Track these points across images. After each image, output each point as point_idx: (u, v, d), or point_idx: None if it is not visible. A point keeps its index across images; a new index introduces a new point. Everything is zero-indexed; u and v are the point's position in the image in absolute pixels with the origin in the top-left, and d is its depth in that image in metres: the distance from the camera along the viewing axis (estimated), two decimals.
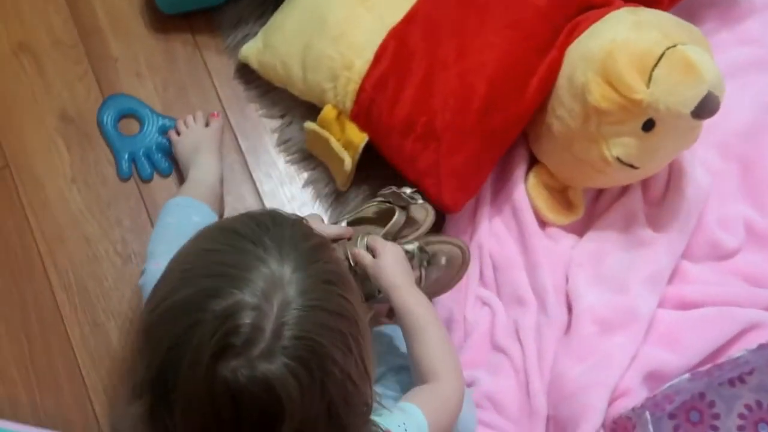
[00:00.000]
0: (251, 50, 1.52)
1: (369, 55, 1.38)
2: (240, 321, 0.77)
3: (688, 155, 1.46)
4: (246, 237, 0.83)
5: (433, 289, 1.35)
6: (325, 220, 1.51)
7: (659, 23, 1.33)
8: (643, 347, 1.38)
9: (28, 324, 1.45)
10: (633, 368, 1.36)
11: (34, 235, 1.48)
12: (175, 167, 1.53)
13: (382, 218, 1.36)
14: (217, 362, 0.77)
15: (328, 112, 1.42)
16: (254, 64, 1.52)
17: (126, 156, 1.53)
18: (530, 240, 1.44)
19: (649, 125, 1.31)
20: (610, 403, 1.33)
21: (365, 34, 1.39)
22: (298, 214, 1.44)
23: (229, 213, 1.51)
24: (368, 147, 1.42)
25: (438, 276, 1.34)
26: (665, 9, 1.41)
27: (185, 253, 0.86)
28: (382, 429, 0.95)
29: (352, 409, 0.83)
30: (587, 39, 1.35)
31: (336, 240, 1.30)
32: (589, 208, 1.49)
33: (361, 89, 1.38)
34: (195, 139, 1.48)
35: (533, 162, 1.49)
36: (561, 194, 1.48)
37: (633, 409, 1.30)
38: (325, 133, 1.43)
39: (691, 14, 1.53)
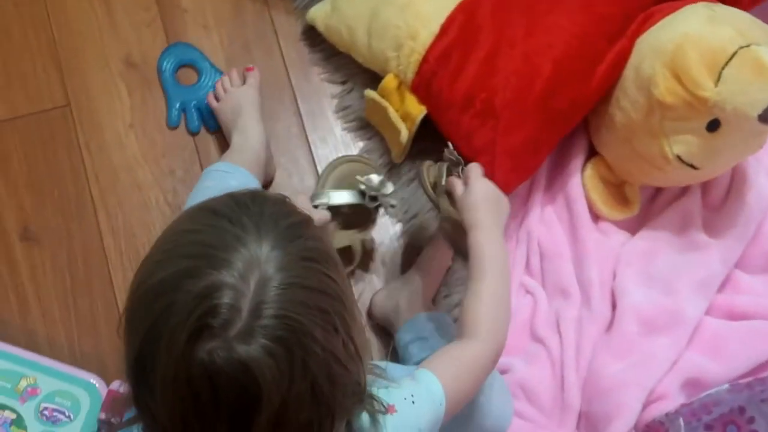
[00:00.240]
0: (319, 13, 1.55)
1: (435, 26, 1.40)
2: (216, 301, 0.77)
3: (753, 162, 1.45)
4: (224, 216, 0.83)
5: None
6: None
7: (735, 21, 1.32)
8: (685, 352, 1.38)
9: (74, 263, 1.50)
10: (673, 372, 1.36)
11: (87, 177, 1.54)
12: None
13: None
14: (194, 344, 0.77)
15: (389, 81, 1.44)
16: (321, 27, 1.55)
17: (177, 105, 1.57)
18: (581, 231, 1.45)
19: (714, 125, 1.30)
20: (645, 406, 1.34)
21: (433, 4, 1.41)
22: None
23: (281, 174, 1.55)
24: (426, 121, 1.44)
25: None
26: (745, 8, 1.40)
27: (166, 234, 0.86)
28: (384, 405, 0.95)
29: (339, 389, 0.83)
30: (659, 30, 1.34)
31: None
32: (644, 206, 1.49)
33: (424, 60, 1.40)
34: (233, 103, 1.51)
35: (592, 153, 1.50)
36: (617, 189, 1.48)
37: (667, 415, 1.30)
38: (384, 103, 1.45)
39: None
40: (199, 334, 0.77)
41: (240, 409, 0.78)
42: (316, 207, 1.38)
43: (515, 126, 1.35)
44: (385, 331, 1.45)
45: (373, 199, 1.44)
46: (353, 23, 1.49)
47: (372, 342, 1.45)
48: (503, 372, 1.38)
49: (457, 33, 1.38)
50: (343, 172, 1.48)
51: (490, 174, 1.36)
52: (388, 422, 0.96)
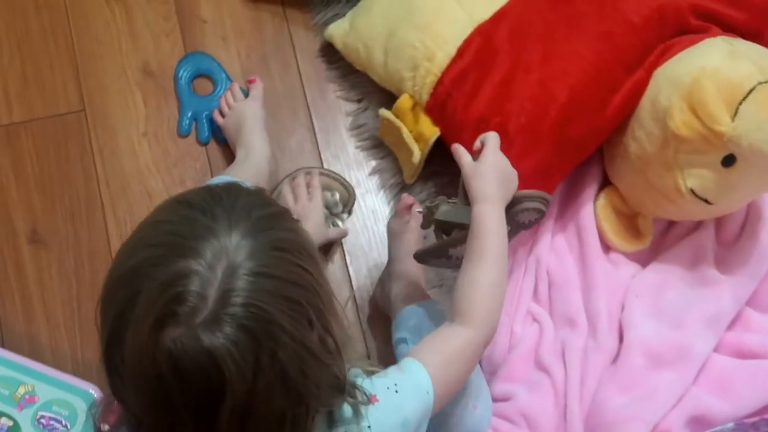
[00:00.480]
0: (337, 30, 1.57)
1: (452, 48, 1.41)
2: (182, 288, 0.78)
3: None
4: (197, 207, 0.83)
5: None
6: (387, 211, 1.54)
7: (755, 56, 1.32)
8: (691, 389, 1.37)
9: (81, 268, 1.51)
10: (678, 408, 1.35)
11: (99, 182, 1.55)
12: None
13: None
14: (159, 331, 0.77)
15: (404, 101, 1.45)
16: (338, 44, 1.57)
17: (189, 114, 1.59)
18: (591, 261, 1.45)
19: (729, 160, 1.30)
20: None
21: (451, 26, 1.42)
22: (356, 194, 1.50)
23: None
24: (439, 143, 1.45)
25: None
26: (766, 44, 1.40)
27: (141, 225, 0.86)
28: (366, 395, 0.96)
29: (313, 381, 0.83)
30: (677, 62, 1.35)
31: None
32: (657, 239, 1.49)
33: (440, 82, 1.41)
34: (237, 119, 1.52)
35: (605, 183, 1.50)
36: (630, 220, 1.48)
37: None
38: (398, 123, 1.46)
39: None
40: (164, 322, 0.78)
41: (205, 397, 0.79)
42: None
43: (528, 151, 1.35)
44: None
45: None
46: (371, 42, 1.50)
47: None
48: (505, 399, 1.38)
49: (473, 56, 1.39)
50: None
51: None
52: (370, 412, 0.96)
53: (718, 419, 1.34)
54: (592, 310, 1.42)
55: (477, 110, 1.37)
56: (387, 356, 1.41)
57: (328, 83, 1.62)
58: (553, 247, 1.48)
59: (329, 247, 1.52)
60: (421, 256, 1.34)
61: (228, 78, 1.61)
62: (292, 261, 0.83)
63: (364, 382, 0.98)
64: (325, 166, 1.57)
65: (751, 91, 1.27)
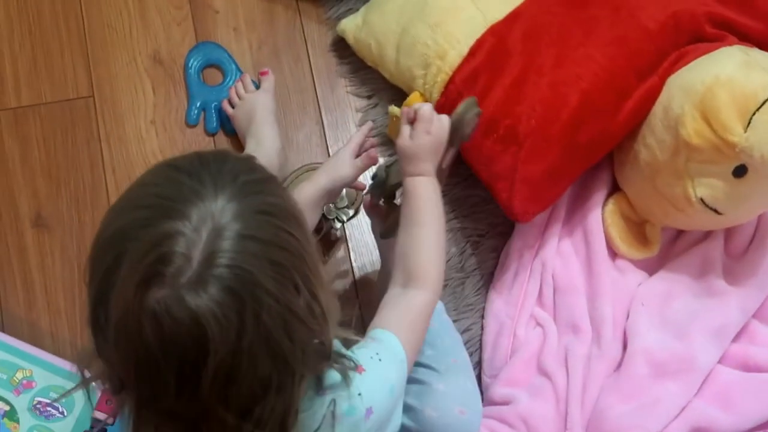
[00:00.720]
0: (350, 25, 1.57)
1: (464, 47, 1.41)
2: (167, 249, 0.79)
3: None
4: (184, 171, 0.84)
5: None
6: None
7: None
8: (694, 400, 1.37)
9: (83, 255, 1.48)
10: (680, 419, 1.36)
11: (104, 169, 1.56)
12: None
13: None
14: (144, 291, 0.78)
15: (415, 98, 1.45)
16: (350, 39, 1.57)
17: (198, 104, 1.59)
18: (597, 268, 1.45)
19: (740, 171, 1.30)
20: None
21: (464, 25, 1.42)
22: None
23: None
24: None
25: None
26: None
27: (128, 188, 0.87)
28: (354, 363, 0.97)
29: (299, 345, 0.84)
30: (691, 70, 1.35)
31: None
32: (665, 247, 1.49)
33: (451, 81, 1.41)
34: (247, 109, 1.53)
35: (614, 189, 1.50)
36: (638, 227, 1.48)
37: None
38: None
39: None
40: (149, 282, 0.78)
41: (188, 358, 0.79)
42: None
43: (537, 155, 1.35)
44: None
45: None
46: (383, 38, 1.51)
47: None
48: (505, 403, 1.39)
49: (485, 56, 1.39)
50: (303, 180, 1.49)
51: (507, 200, 1.38)
52: (359, 381, 0.97)
53: None
54: (597, 317, 1.42)
55: (487, 111, 1.37)
56: None
57: (338, 78, 1.62)
58: (560, 252, 1.48)
59: (333, 243, 1.53)
60: (386, 233, 1.34)
61: (238, 69, 1.61)
62: (279, 225, 0.84)
63: (347, 353, 0.99)
64: None
65: (765, 101, 1.27)
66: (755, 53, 1.35)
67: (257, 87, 1.57)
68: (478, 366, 1.45)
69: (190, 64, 1.61)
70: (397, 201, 1.33)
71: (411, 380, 1.21)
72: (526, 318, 1.45)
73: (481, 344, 1.47)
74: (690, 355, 1.38)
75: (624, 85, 1.35)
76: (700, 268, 1.45)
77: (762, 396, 1.37)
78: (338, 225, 1.49)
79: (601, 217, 1.47)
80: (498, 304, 1.46)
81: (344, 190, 1.48)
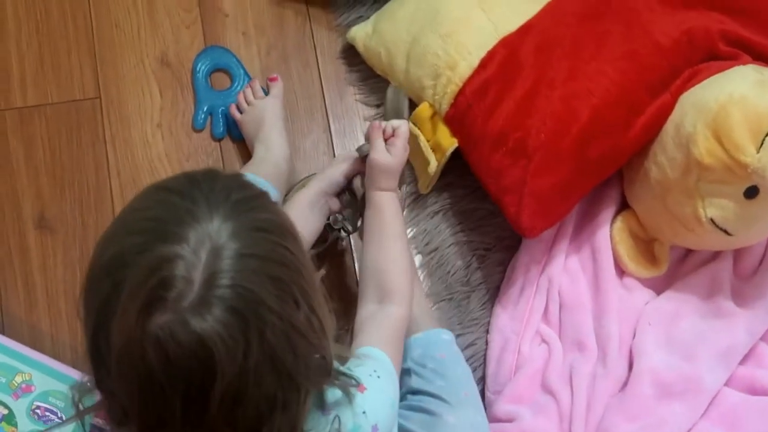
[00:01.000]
0: (360, 33, 1.57)
1: (475, 59, 1.41)
2: (167, 273, 0.78)
3: None
4: (175, 192, 0.84)
5: None
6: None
7: None
8: (699, 422, 1.37)
9: (86, 258, 1.49)
10: None
11: (109, 171, 1.57)
12: None
13: None
14: (146, 318, 0.78)
15: (424, 109, 1.46)
16: (360, 47, 1.58)
17: (205, 108, 1.60)
18: (604, 285, 1.45)
19: (752, 192, 1.30)
20: None
21: (476, 36, 1.42)
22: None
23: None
24: (456, 155, 1.45)
25: None
26: None
27: (119, 213, 0.88)
28: (356, 380, 0.98)
29: (302, 360, 0.84)
30: (704, 88, 1.35)
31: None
32: (673, 266, 1.49)
33: (461, 92, 1.42)
34: (256, 115, 1.53)
35: (623, 206, 1.50)
36: (646, 246, 1.48)
37: None
38: (416, 131, 1.46)
39: None
40: (151, 308, 0.78)
41: (195, 382, 0.79)
42: None
43: (546, 169, 1.36)
44: None
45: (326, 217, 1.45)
46: (393, 47, 1.51)
47: None
48: (509, 420, 1.39)
49: (496, 68, 1.40)
50: None
51: (515, 214, 1.38)
52: (362, 400, 0.99)
53: None
54: (603, 335, 1.42)
55: (497, 124, 1.38)
56: None
57: (347, 86, 1.63)
58: (567, 268, 1.48)
59: (339, 253, 1.53)
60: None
61: (246, 74, 1.62)
62: (275, 241, 0.85)
63: (348, 371, 1.00)
64: None
65: None
66: None
67: (266, 93, 1.58)
68: (481, 381, 1.46)
69: (198, 68, 1.61)
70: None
71: (421, 410, 1.24)
72: (531, 334, 1.45)
73: (485, 359, 1.47)
74: (697, 376, 1.38)
75: (636, 101, 1.36)
76: (708, 288, 1.45)
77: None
78: (344, 235, 1.49)
79: (609, 234, 1.48)
80: (503, 319, 1.47)
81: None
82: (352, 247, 1.54)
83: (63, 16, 1.64)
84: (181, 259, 0.79)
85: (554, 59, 1.37)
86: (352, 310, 1.49)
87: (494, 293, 1.51)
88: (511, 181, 1.38)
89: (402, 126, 1.29)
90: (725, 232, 1.35)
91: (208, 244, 0.80)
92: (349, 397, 0.96)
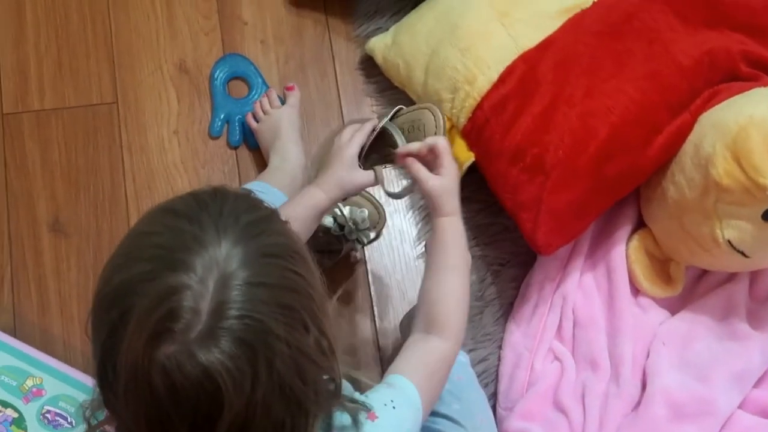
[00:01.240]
0: (379, 44, 1.58)
1: (494, 74, 1.42)
2: (175, 304, 0.78)
3: None
4: (183, 216, 0.83)
5: None
6: (414, 232, 1.55)
7: None
8: None
9: (99, 263, 1.52)
10: None
11: (125, 176, 1.58)
12: None
13: None
14: (153, 348, 0.77)
15: None
16: (379, 58, 1.59)
17: (222, 116, 1.61)
18: (618, 304, 1.45)
19: None
20: None
21: (495, 51, 1.43)
22: (386, 217, 1.52)
23: None
24: (472, 169, 1.46)
25: None
26: None
27: (127, 237, 0.86)
28: (367, 406, 0.97)
29: (311, 386, 0.84)
30: (724, 109, 1.35)
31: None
32: (688, 287, 1.49)
33: (479, 107, 1.42)
34: (272, 124, 1.54)
35: (640, 225, 1.50)
36: (662, 265, 1.48)
37: None
38: None
39: None
40: (158, 339, 0.78)
41: (202, 413, 0.79)
42: None
43: (564, 186, 1.36)
44: None
45: (341, 228, 1.46)
46: (412, 59, 1.52)
47: None
48: None
49: (515, 84, 1.40)
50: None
51: (530, 231, 1.38)
52: (371, 429, 0.97)
53: None
54: (617, 354, 1.42)
55: (514, 139, 1.38)
56: None
57: (365, 97, 1.64)
58: (581, 286, 1.48)
59: (353, 264, 1.54)
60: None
61: (264, 83, 1.63)
62: (285, 266, 0.84)
63: (360, 397, 0.99)
64: None
65: None
66: None
67: (283, 102, 1.59)
68: (493, 397, 1.46)
69: (216, 75, 1.63)
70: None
71: None
72: (544, 351, 1.46)
73: (497, 375, 1.47)
74: (710, 398, 1.38)
75: (655, 120, 1.36)
76: (723, 310, 1.45)
77: None
78: (359, 247, 1.50)
79: (624, 253, 1.48)
80: (516, 335, 1.47)
81: (366, 212, 1.49)
82: (366, 258, 1.55)
83: (82, 20, 1.66)
84: (188, 289, 0.78)
85: (573, 76, 1.38)
86: (364, 324, 1.51)
87: (508, 309, 1.51)
88: (528, 197, 1.38)
89: (439, 141, 1.20)
90: (742, 253, 1.35)
91: (216, 273, 0.79)
92: (357, 424, 0.95)
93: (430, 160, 1.20)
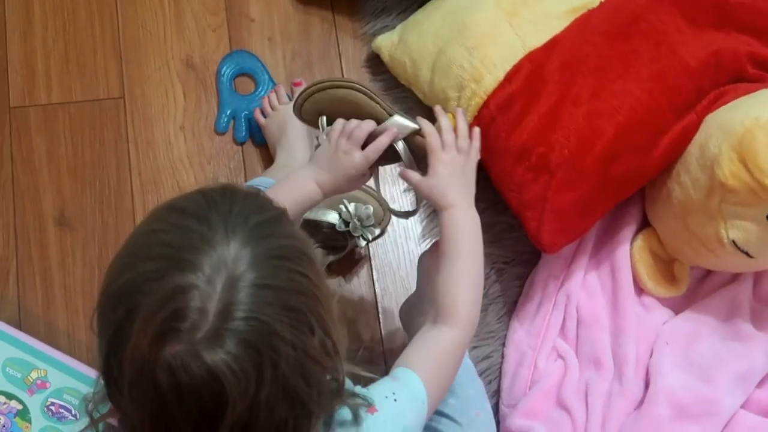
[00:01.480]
0: (385, 42, 1.59)
1: (500, 73, 1.42)
2: (182, 304, 0.78)
3: None
4: (191, 214, 0.83)
5: None
6: (419, 230, 1.56)
7: None
8: None
9: (104, 257, 1.54)
10: None
11: (131, 171, 1.58)
12: None
13: None
14: (159, 348, 0.77)
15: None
16: (385, 56, 1.59)
17: (228, 112, 1.62)
18: (622, 303, 1.45)
19: None
20: None
21: (502, 50, 1.43)
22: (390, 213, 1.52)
23: None
24: (477, 167, 1.45)
25: None
26: None
27: (134, 234, 0.86)
28: (368, 401, 0.96)
29: (315, 387, 0.84)
30: (730, 110, 1.35)
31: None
32: (692, 287, 1.49)
33: (485, 105, 1.42)
34: (280, 121, 1.54)
35: (644, 225, 1.51)
36: (666, 265, 1.49)
37: None
38: None
39: None
40: (164, 338, 0.78)
41: (206, 412, 0.79)
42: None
43: (569, 185, 1.36)
44: None
45: (346, 224, 1.47)
46: (418, 58, 1.52)
47: None
48: None
49: (522, 83, 1.40)
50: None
51: (535, 230, 1.39)
52: (371, 423, 0.96)
53: None
54: (620, 353, 1.43)
55: (520, 138, 1.39)
56: None
57: None
58: (585, 285, 1.48)
59: (357, 261, 1.54)
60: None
61: (270, 79, 1.63)
62: (292, 268, 0.84)
63: (361, 391, 0.99)
64: None
65: None
66: None
67: (290, 98, 1.59)
68: (496, 395, 1.46)
69: (222, 72, 1.63)
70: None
71: (430, 429, 1.21)
72: (547, 349, 1.46)
73: (500, 373, 1.48)
74: (713, 398, 1.39)
75: (661, 121, 1.36)
76: (727, 310, 1.45)
77: None
78: (363, 243, 1.50)
79: (629, 252, 1.48)
80: (520, 333, 1.47)
81: (371, 208, 1.49)
82: (370, 255, 1.55)
83: (90, 15, 1.66)
84: (195, 289, 0.78)
85: (580, 76, 1.38)
86: (368, 321, 1.51)
87: (511, 307, 1.52)
88: (533, 196, 1.38)
89: (428, 144, 1.19)
90: (746, 254, 1.35)
91: (224, 273, 0.79)
92: (357, 420, 0.95)
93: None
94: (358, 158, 1.19)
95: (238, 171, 1.59)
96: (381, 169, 1.58)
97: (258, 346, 0.79)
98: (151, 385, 0.78)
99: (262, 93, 1.62)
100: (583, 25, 1.42)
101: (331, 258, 1.50)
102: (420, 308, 1.35)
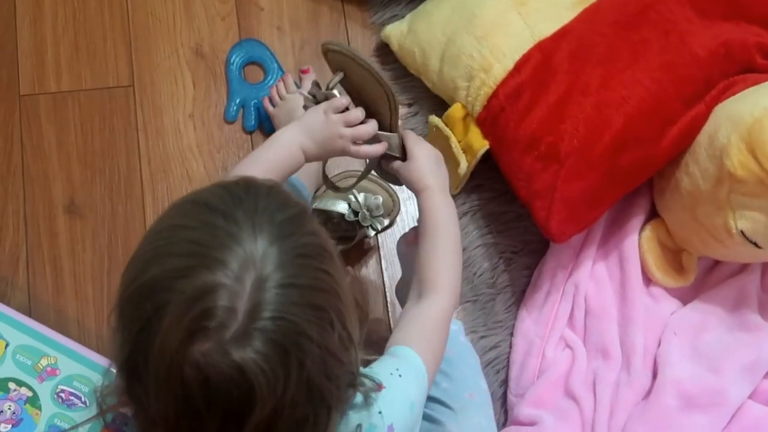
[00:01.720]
0: (394, 31, 1.59)
1: (510, 62, 1.42)
2: (211, 303, 0.78)
3: None
4: (217, 210, 0.83)
5: None
6: None
7: None
8: None
9: (114, 244, 1.55)
10: None
11: (140, 159, 1.59)
12: None
13: None
14: (188, 345, 0.78)
15: (456, 110, 1.47)
16: (394, 46, 1.59)
17: (237, 100, 1.62)
18: (630, 293, 1.46)
19: None
20: None
21: (511, 39, 1.43)
22: (400, 204, 1.52)
23: None
24: (486, 157, 1.46)
25: None
26: None
27: (158, 228, 0.86)
28: (375, 382, 0.97)
29: (334, 382, 0.85)
30: (739, 100, 1.35)
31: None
32: (700, 277, 1.50)
33: (494, 95, 1.43)
34: (288, 110, 1.54)
35: (653, 215, 1.51)
36: (674, 255, 1.49)
37: None
38: (448, 131, 1.48)
39: None
40: (193, 336, 0.78)
41: (233, 410, 0.80)
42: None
43: (578, 175, 1.37)
44: None
45: (355, 214, 1.48)
46: (428, 47, 1.52)
47: None
48: (531, 423, 1.40)
49: (531, 72, 1.41)
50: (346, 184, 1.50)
51: (544, 219, 1.39)
52: (379, 399, 0.97)
53: None
54: (628, 343, 1.43)
55: (529, 128, 1.39)
56: None
57: None
58: (593, 275, 1.49)
59: (366, 251, 1.55)
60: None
61: (280, 68, 1.64)
62: (316, 266, 0.84)
63: (368, 373, 0.99)
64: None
65: None
66: None
67: (298, 87, 1.59)
68: (504, 384, 1.47)
69: (232, 60, 1.64)
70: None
71: (424, 416, 1.21)
72: (555, 339, 1.46)
73: (508, 362, 1.48)
74: (721, 388, 1.39)
75: (669, 111, 1.36)
76: (735, 300, 1.45)
77: None
78: (372, 233, 1.51)
79: (637, 242, 1.48)
80: (528, 323, 1.48)
81: (380, 198, 1.50)
82: (379, 245, 1.56)
83: (99, 2, 1.67)
84: (223, 288, 0.79)
85: (589, 66, 1.38)
86: (377, 311, 1.52)
87: (520, 296, 1.52)
88: (542, 185, 1.38)
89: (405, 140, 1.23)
90: (755, 244, 1.35)
91: (252, 273, 0.80)
92: (368, 402, 0.96)
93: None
94: (349, 149, 1.21)
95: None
96: None
97: (285, 345, 0.80)
98: (179, 381, 0.79)
99: (271, 82, 1.63)
100: (592, 14, 1.42)
101: (340, 248, 1.50)
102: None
